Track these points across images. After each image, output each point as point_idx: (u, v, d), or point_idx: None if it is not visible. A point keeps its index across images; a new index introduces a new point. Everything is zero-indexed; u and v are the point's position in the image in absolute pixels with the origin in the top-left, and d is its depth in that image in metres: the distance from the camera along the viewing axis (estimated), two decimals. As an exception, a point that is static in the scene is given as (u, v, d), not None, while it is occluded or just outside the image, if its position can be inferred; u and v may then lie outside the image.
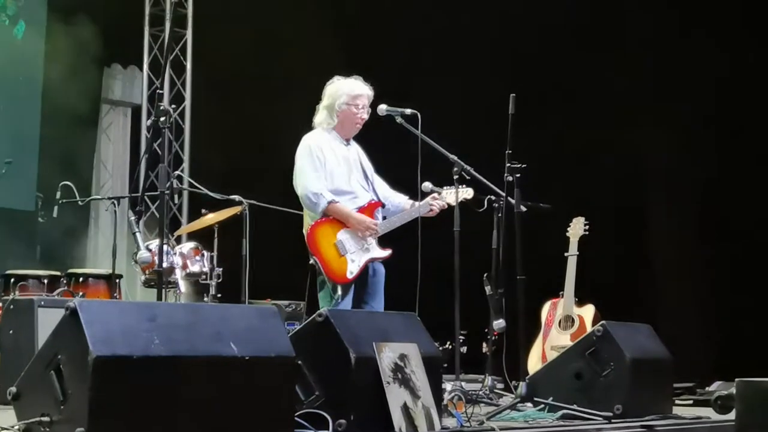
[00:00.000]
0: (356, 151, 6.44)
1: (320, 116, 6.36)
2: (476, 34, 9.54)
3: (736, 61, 8.34)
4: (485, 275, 6.05)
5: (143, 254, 5.68)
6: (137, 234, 5.65)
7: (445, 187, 6.27)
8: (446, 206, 6.29)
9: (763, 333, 8.02)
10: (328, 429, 3.91)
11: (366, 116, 6.30)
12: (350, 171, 6.30)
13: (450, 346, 6.70)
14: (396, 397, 4.08)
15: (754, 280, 8.22)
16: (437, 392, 4.45)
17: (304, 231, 6.23)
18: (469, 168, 6.13)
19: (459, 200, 6.23)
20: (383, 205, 6.42)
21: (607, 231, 8.08)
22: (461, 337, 9.66)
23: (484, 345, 6.69)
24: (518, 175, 5.73)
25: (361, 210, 6.23)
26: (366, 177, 6.41)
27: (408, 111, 6.21)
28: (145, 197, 8.27)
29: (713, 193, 8.47)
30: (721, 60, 8.38)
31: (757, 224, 8.24)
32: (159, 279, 4.97)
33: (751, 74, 8.29)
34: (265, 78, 10.19)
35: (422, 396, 4.23)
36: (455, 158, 6.13)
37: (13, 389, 3.57)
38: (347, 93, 6.27)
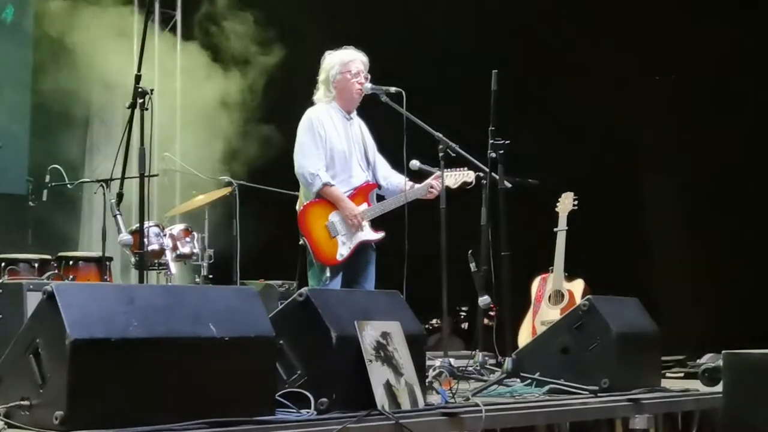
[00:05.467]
0: (359, 126, 6.44)
1: (319, 92, 6.41)
2: (460, 7, 9.51)
3: (735, 34, 8.31)
4: (469, 252, 6.05)
5: (124, 237, 5.69)
6: (118, 216, 5.65)
7: (447, 170, 6.25)
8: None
9: (755, 305, 8.04)
10: (310, 408, 3.91)
11: (364, 81, 6.28)
12: (350, 148, 6.30)
13: (437, 324, 6.70)
14: (378, 375, 4.08)
15: (745, 252, 8.23)
16: (421, 370, 4.45)
17: (297, 208, 6.25)
18: (454, 145, 6.12)
19: (459, 183, 6.27)
20: (379, 186, 6.42)
21: (597, 205, 8.07)
22: (462, 313, 9.76)
23: (486, 320, 6.69)
24: (501, 152, 5.72)
25: (355, 191, 6.23)
26: (366, 155, 6.40)
27: (393, 89, 6.19)
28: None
29: (705, 165, 8.45)
30: (719, 33, 8.35)
31: (750, 197, 8.23)
32: (141, 261, 5.00)
33: (748, 48, 8.27)
34: (256, 58, 10.17)
35: (405, 373, 4.23)
36: (441, 136, 6.12)
37: (-5, 373, 3.59)
38: (339, 62, 6.33)
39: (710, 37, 8.39)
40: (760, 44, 8.19)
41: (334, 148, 6.22)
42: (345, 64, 6.32)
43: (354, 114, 6.41)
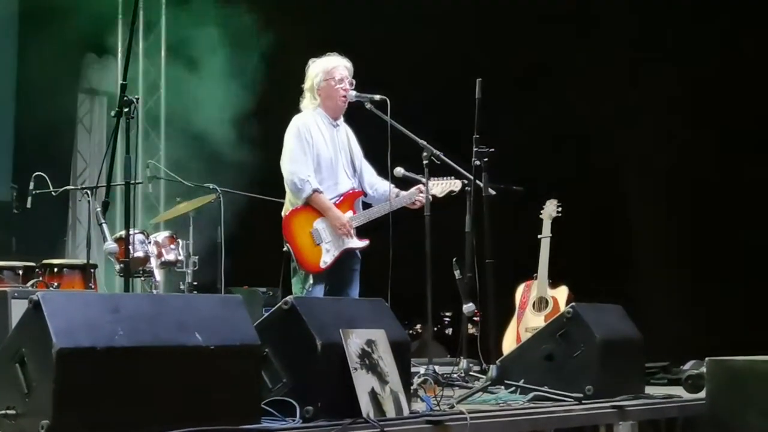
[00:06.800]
0: (345, 133, 6.45)
1: (305, 99, 6.43)
2: (444, 17, 9.53)
3: (713, 44, 8.36)
4: (454, 260, 6.07)
5: (109, 245, 5.68)
6: (103, 225, 5.66)
7: (434, 178, 6.26)
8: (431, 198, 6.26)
9: (738, 312, 8.08)
10: (295, 416, 3.92)
11: (348, 88, 6.30)
12: (336, 155, 6.32)
13: (420, 329, 6.71)
14: (363, 382, 4.09)
15: (728, 260, 8.27)
16: (406, 377, 4.46)
17: (283, 214, 6.26)
18: (438, 153, 6.13)
19: (445, 192, 6.28)
20: (366, 194, 6.44)
21: (581, 212, 8.10)
22: (446, 319, 9.77)
23: (470, 327, 6.71)
24: (486, 159, 5.76)
25: (341, 199, 6.24)
26: (352, 162, 6.42)
27: (377, 97, 6.19)
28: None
29: (688, 173, 8.50)
30: (697, 41, 8.41)
31: (732, 204, 8.27)
32: (126, 269, 4.99)
33: (728, 60, 8.32)
34: (242, 64, 10.19)
35: (390, 381, 4.24)
36: (425, 143, 6.13)
37: (-20, 382, 3.58)
38: (323, 69, 6.35)
39: (693, 37, 8.44)
40: (745, 43, 8.24)
41: (321, 154, 6.24)
42: (329, 71, 6.35)
43: (341, 121, 6.42)
